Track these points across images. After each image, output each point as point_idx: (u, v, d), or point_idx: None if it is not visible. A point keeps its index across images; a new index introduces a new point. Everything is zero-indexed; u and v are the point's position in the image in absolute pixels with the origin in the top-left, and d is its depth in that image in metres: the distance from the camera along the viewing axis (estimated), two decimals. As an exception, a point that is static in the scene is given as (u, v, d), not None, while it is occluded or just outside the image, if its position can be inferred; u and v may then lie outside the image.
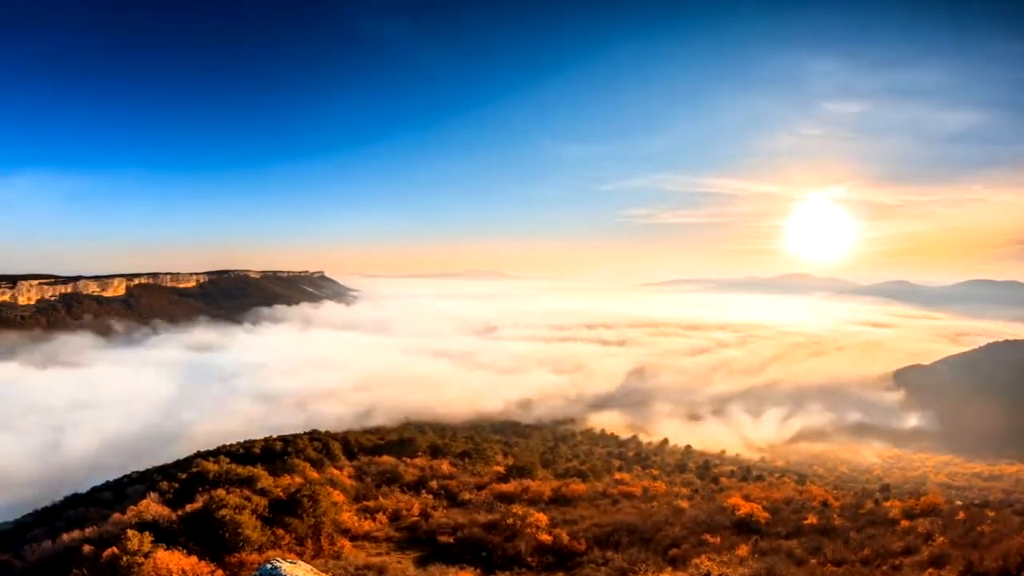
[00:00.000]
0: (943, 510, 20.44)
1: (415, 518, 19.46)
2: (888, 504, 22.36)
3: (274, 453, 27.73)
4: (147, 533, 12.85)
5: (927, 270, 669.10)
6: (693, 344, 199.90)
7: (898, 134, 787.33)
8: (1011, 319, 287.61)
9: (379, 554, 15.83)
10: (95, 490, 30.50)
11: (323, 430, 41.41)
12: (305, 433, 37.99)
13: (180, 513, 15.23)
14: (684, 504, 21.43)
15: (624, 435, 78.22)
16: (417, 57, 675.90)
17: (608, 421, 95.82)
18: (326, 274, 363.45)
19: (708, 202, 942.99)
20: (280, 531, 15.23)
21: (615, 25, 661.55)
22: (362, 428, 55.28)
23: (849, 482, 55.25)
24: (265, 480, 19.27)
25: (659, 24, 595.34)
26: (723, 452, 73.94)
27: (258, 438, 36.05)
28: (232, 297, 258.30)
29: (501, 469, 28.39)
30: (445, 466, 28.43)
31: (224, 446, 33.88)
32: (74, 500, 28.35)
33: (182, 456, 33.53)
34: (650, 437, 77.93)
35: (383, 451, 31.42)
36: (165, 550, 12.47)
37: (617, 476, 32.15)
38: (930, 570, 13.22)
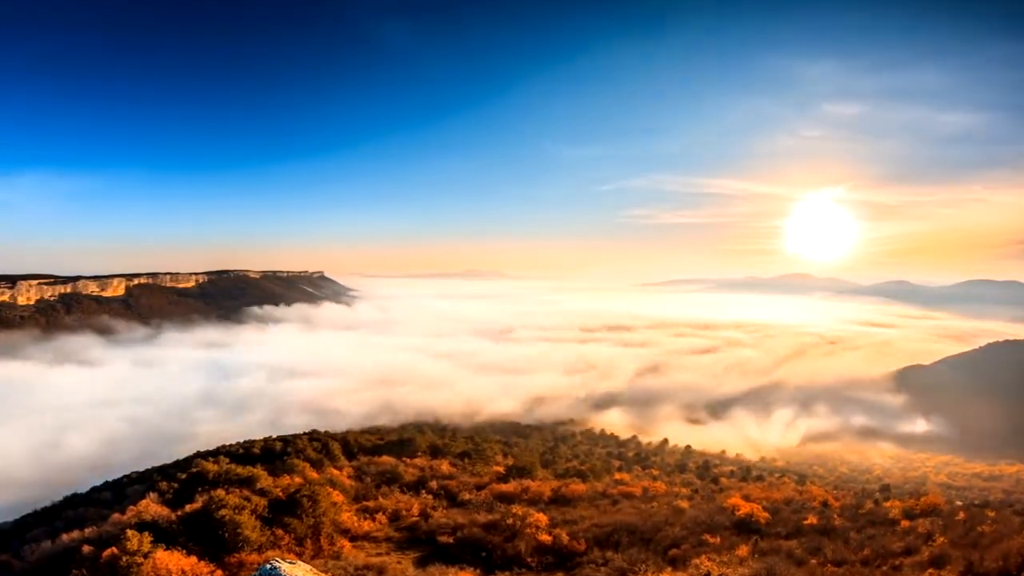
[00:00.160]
0: (943, 510, 20.41)
1: (415, 518, 19.44)
2: (888, 504, 22.33)
3: (274, 453, 27.71)
4: (146, 533, 12.85)
5: (927, 270, 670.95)
6: (696, 344, 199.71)
7: (898, 135, 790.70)
8: (1011, 319, 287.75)
9: (379, 554, 15.82)
10: (94, 490, 30.47)
11: (323, 430, 41.39)
12: (305, 433, 37.97)
13: (180, 513, 15.22)
14: (684, 504, 21.41)
15: (624, 435, 78.15)
16: (417, 57, 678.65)
17: (614, 421, 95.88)
18: (326, 274, 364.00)
19: (708, 202, 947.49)
20: (279, 531, 15.22)
21: (615, 26, 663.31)
22: (362, 428, 55.19)
23: (849, 482, 55.21)
24: (265, 480, 19.25)
25: (659, 26, 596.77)
26: (723, 452, 73.84)
27: (258, 438, 36.03)
28: (232, 297, 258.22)
29: (501, 469, 28.37)
30: (445, 466, 28.42)
31: (224, 446, 33.86)
32: (73, 500, 28.32)
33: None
34: (650, 437, 77.79)
35: (383, 451, 31.39)
36: (164, 550, 12.47)
37: (617, 476, 32.15)
38: (930, 570, 13.20)
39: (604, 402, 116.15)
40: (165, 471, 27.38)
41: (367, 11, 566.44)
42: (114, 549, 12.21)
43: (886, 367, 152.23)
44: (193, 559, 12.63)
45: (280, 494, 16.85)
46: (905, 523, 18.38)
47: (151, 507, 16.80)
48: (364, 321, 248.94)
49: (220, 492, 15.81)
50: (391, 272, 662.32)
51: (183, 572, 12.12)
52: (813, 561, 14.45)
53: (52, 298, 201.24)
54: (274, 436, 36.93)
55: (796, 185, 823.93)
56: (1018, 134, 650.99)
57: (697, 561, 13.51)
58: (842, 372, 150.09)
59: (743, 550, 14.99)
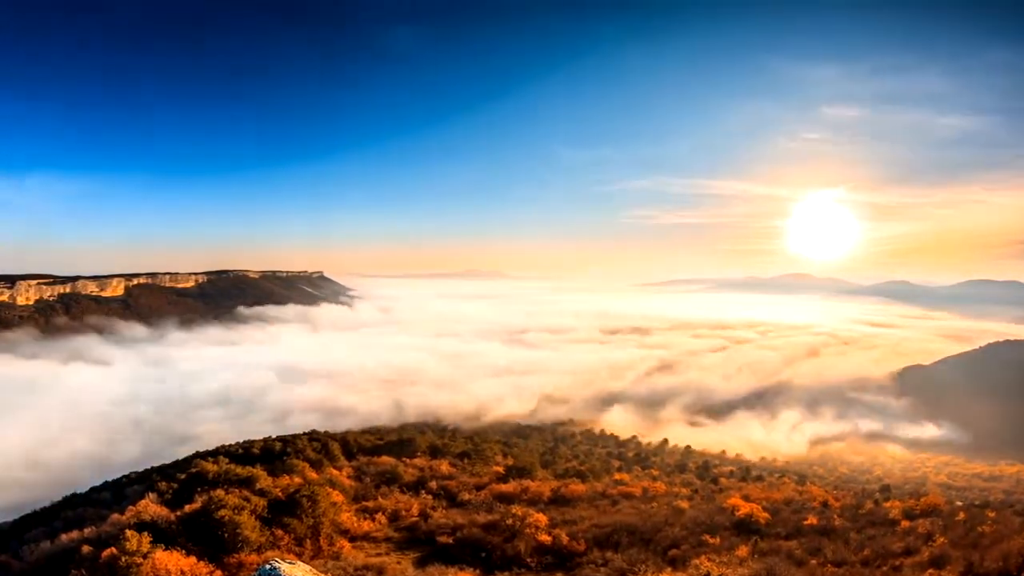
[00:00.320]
0: (943, 511, 20.40)
1: (414, 518, 19.41)
2: (888, 505, 22.32)
3: (273, 453, 27.67)
4: (146, 533, 12.82)
5: (928, 270, 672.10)
6: (699, 344, 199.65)
7: (898, 138, 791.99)
8: (1011, 319, 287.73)
9: (378, 554, 15.81)
10: (93, 490, 30.46)
11: (323, 430, 41.36)
12: (304, 433, 37.95)
13: (179, 513, 15.19)
14: (684, 505, 21.38)
15: (624, 435, 78.09)
16: (420, 60, 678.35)
17: (622, 421, 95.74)
18: (325, 274, 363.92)
19: (708, 203, 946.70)
20: (279, 531, 15.20)
21: (618, 30, 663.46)
22: (361, 428, 55.15)
23: (849, 482, 55.18)
24: (264, 480, 19.22)
25: (661, 29, 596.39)
26: (723, 452, 73.77)
27: (257, 438, 36.01)
28: (231, 297, 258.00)
29: (500, 469, 28.35)
30: (444, 466, 28.40)
31: (223, 446, 33.85)
32: (73, 500, 28.31)
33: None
34: (652, 438, 77.69)
35: (382, 451, 31.35)
36: (164, 550, 12.45)
37: (616, 476, 32.13)
38: (930, 571, 13.18)
39: (610, 401, 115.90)
40: (164, 471, 27.37)
41: (370, 15, 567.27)
42: (113, 549, 12.19)
43: (886, 367, 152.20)
44: (192, 559, 12.60)
45: (279, 494, 16.82)
46: (905, 523, 18.37)
47: (150, 507, 16.76)
48: (365, 321, 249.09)
49: (219, 492, 15.79)
50: (391, 272, 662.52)
51: (182, 572, 12.10)
52: (813, 561, 14.43)
53: (51, 298, 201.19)
54: (273, 436, 36.91)
55: (796, 186, 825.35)
56: (1017, 137, 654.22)
57: (697, 561, 13.49)
58: (843, 373, 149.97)
59: (743, 550, 14.98)
